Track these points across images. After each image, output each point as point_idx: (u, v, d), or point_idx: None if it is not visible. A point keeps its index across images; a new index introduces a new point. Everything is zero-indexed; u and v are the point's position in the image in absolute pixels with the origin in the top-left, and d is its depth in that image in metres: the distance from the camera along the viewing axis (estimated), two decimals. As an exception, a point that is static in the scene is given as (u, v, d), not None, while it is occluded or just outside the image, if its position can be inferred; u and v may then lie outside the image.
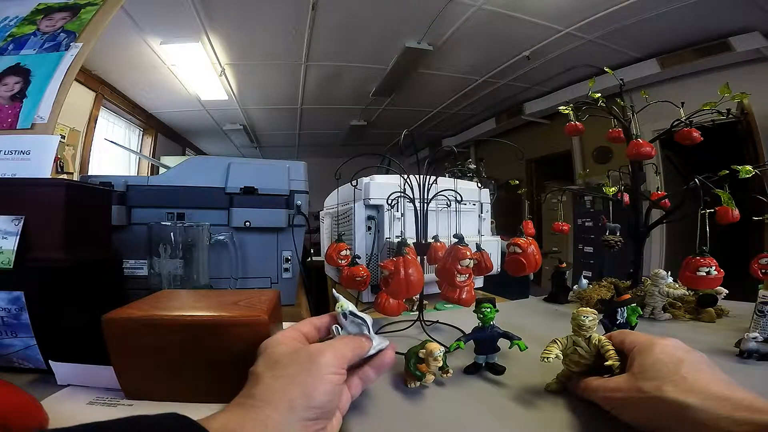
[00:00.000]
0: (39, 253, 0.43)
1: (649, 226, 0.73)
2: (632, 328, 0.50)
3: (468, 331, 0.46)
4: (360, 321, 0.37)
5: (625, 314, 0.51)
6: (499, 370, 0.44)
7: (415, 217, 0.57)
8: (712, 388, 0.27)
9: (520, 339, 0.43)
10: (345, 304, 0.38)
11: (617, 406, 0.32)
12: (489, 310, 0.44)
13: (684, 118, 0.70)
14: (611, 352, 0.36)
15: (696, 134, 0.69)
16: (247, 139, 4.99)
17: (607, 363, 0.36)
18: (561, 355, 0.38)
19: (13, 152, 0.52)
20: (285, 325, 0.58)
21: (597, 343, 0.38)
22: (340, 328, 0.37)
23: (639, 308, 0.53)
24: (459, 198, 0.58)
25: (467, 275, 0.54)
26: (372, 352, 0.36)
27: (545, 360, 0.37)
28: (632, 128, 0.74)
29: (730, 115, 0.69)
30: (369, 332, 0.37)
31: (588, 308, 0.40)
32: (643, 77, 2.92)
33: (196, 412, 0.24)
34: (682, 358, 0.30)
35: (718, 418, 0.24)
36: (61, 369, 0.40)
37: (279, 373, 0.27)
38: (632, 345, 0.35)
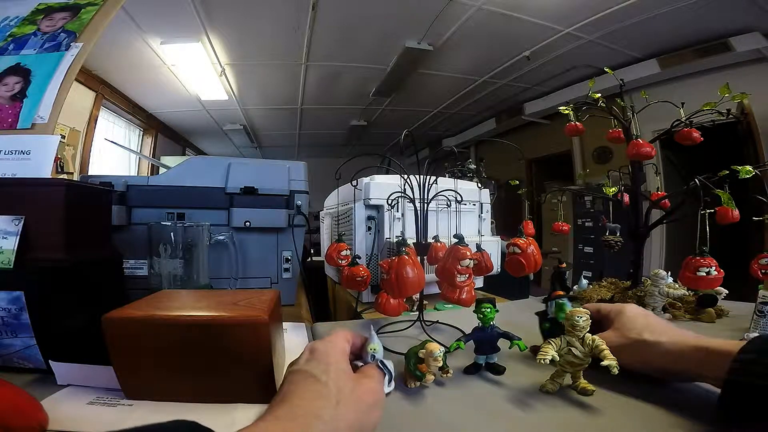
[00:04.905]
0: (39, 253, 0.42)
1: (649, 226, 0.73)
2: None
3: (468, 331, 0.46)
4: (387, 371, 0.37)
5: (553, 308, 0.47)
6: (499, 370, 0.44)
7: (415, 217, 0.57)
8: (671, 332, 0.41)
9: (520, 339, 0.43)
10: (378, 348, 0.38)
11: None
12: (489, 310, 0.44)
13: (684, 119, 0.70)
14: (606, 351, 0.37)
15: (696, 134, 0.68)
16: (247, 139, 4.99)
17: (603, 363, 0.36)
18: (557, 356, 0.38)
19: (13, 152, 0.52)
20: (285, 325, 0.58)
21: (591, 343, 0.38)
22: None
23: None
24: (459, 198, 0.58)
25: (467, 275, 0.54)
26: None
27: (541, 362, 0.37)
28: (632, 128, 0.74)
29: (730, 116, 0.69)
30: (390, 384, 0.39)
31: (581, 308, 0.40)
32: (643, 77, 2.92)
33: (196, 412, 0.24)
34: (646, 315, 0.44)
35: (680, 348, 0.38)
36: (61, 369, 0.40)
37: (340, 415, 0.28)
38: (607, 310, 0.47)
